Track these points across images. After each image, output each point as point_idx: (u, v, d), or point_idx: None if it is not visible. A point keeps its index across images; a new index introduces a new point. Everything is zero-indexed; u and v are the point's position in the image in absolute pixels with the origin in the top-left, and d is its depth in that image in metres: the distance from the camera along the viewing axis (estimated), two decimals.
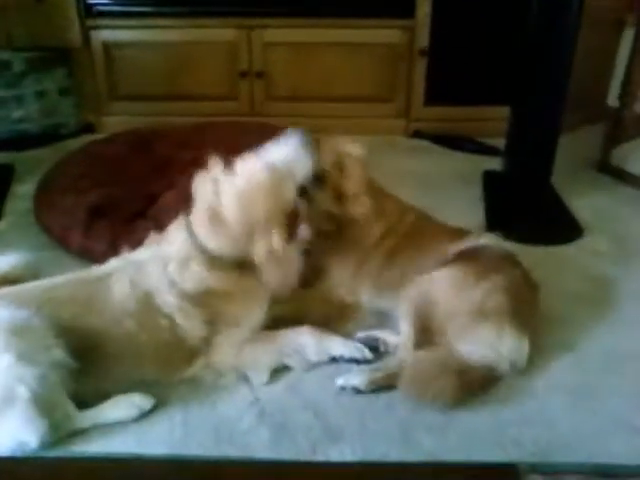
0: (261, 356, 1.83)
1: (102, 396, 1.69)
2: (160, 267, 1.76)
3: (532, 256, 2.21)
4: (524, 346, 1.83)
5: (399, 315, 1.94)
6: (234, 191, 1.71)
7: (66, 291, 1.73)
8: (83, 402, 1.66)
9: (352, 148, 2.05)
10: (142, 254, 1.84)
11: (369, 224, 2.04)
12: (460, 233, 2.10)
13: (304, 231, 1.98)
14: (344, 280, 2.05)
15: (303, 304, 2.00)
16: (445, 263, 1.96)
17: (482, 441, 1.64)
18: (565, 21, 2.62)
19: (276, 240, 1.69)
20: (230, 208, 1.70)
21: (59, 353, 1.58)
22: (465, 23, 3.45)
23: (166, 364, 1.77)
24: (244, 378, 1.82)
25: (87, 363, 1.64)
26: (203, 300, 1.76)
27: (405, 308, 1.92)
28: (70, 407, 1.61)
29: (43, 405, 1.52)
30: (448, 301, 1.88)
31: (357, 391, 1.79)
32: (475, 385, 1.78)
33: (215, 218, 1.71)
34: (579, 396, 1.80)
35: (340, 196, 2.00)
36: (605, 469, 1.55)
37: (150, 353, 1.73)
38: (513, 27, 3.28)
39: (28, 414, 1.51)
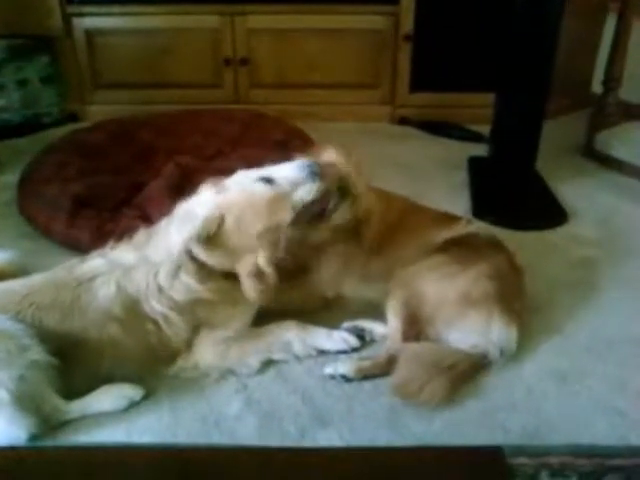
0: (248, 355, 1.83)
1: (90, 388, 1.68)
2: (149, 274, 1.73)
3: (518, 241, 2.23)
4: (513, 332, 1.84)
5: (386, 306, 1.93)
6: (233, 207, 1.72)
7: (48, 296, 1.68)
8: (72, 393, 1.65)
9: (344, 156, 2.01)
10: (129, 256, 1.78)
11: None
12: (448, 220, 2.10)
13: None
14: (329, 273, 2.03)
15: (288, 297, 1.97)
16: (432, 251, 1.96)
17: (470, 426, 1.66)
18: (549, 7, 2.62)
19: (263, 259, 1.70)
20: (228, 224, 1.70)
21: (37, 352, 1.56)
22: (450, 9, 3.44)
23: (149, 364, 1.76)
24: (230, 372, 1.81)
25: (71, 362, 1.63)
26: (190, 309, 1.76)
27: (392, 299, 1.92)
28: (57, 400, 1.61)
29: (26, 403, 1.52)
30: (435, 291, 1.88)
31: (345, 379, 1.80)
32: (466, 376, 1.79)
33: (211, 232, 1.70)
34: (565, 380, 1.82)
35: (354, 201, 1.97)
36: (589, 450, 1.57)
37: (134, 355, 1.72)
38: (498, 13, 3.29)
39: (12, 415, 1.51)
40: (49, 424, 1.58)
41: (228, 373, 1.81)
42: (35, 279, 1.76)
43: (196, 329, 1.79)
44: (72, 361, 1.63)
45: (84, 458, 1.00)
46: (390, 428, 1.64)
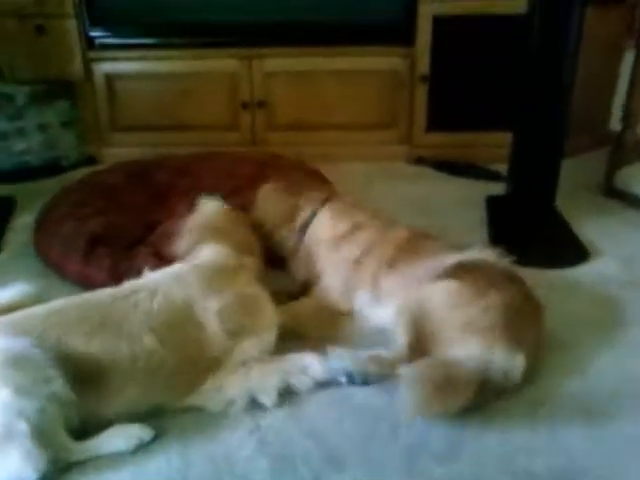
0: (268, 376, 1.80)
1: (99, 426, 1.63)
2: (209, 273, 1.88)
3: (538, 279, 2.17)
4: (518, 359, 1.77)
5: (394, 325, 1.94)
6: None
7: (77, 312, 1.70)
8: (79, 431, 1.61)
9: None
10: (179, 265, 1.96)
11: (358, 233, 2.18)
12: (459, 247, 2.11)
13: None
14: (337, 286, 2.16)
15: (299, 311, 2.12)
16: (442, 274, 1.94)
17: (492, 469, 1.59)
18: (565, 45, 2.62)
19: None
20: None
21: (59, 385, 1.54)
22: (465, 49, 3.46)
23: (177, 384, 1.73)
24: (249, 404, 1.77)
25: (91, 389, 1.60)
26: (240, 306, 1.85)
27: (402, 316, 1.91)
28: (67, 439, 1.56)
29: (42, 439, 1.48)
30: (441, 314, 1.86)
31: (349, 377, 1.82)
32: (479, 392, 1.72)
33: None
34: (592, 421, 1.74)
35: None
36: None
37: (164, 371, 1.70)
38: (513, 52, 3.29)
39: (27, 449, 1.46)
40: (56, 464, 1.52)
41: (246, 406, 1.76)
42: (59, 301, 1.75)
43: (233, 339, 1.80)
44: (93, 388, 1.61)
45: None
46: (408, 472, 1.58)
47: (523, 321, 1.87)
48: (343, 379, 1.85)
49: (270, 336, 1.90)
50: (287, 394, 1.81)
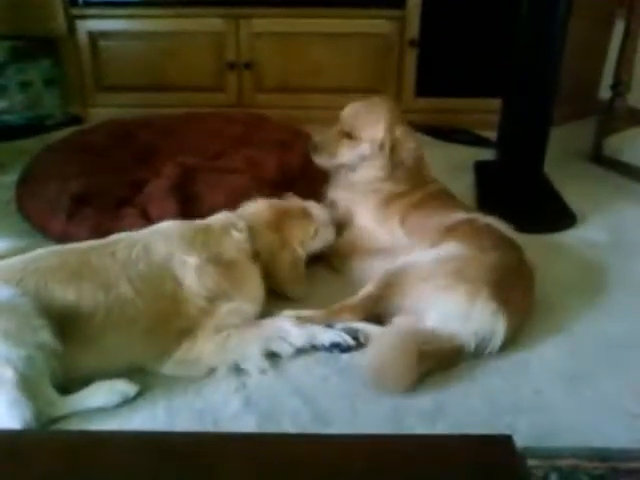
0: (248, 344, 1.78)
1: (84, 381, 1.63)
2: (191, 229, 1.89)
3: (525, 243, 2.17)
4: (499, 321, 1.78)
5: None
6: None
7: (55, 260, 1.69)
8: (64, 387, 1.60)
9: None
10: (170, 223, 1.96)
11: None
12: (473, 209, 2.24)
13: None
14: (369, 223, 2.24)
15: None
16: (449, 227, 2.01)
17: (476, 427, 1.60)
18: (555, 13, 2.59)
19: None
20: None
21: (45, 334, 1.53)
22: (456, 13, 3.42)
23: (155, 341, 1.72)
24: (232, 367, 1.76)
25: (72, 339, 1.59)
26: (222, 269, 1.84)
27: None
28: (52, 392, 1.56)
29: (28, 388, 1.47)
30: (428, 265, 1.89)
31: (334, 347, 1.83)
32: (442, 363, 1.75)
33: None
34: (574, 382, 1.76)
35: None
36: (601, 453, 1.51)
37: (141, 325, 1.69)
38: (504, 18, 3.26)
39: (14, 396, 1.45)
40: (40, 419, 1.51)
41: (230, 369, 1.75)
42: (37, 251, 1.74)
43: (212, 302, 1.78)
44: (74, 339, 1.59)
45: (68, 442, 0.95)
46: (393, 429, 1.59)
47: (513, 285, 1.88)
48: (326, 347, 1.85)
49: (250, 308, 1.89)
50: (271, 355, 1.80)
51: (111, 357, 1.67)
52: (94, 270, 1.69)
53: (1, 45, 3.36)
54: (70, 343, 1.59)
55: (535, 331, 1.91)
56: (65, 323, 1.59)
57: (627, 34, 3.11)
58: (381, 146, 2.24)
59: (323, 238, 2.17)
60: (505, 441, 0.84)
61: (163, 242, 1.82)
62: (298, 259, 2.06)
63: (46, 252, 1.77)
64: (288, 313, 1.91)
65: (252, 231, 2.00)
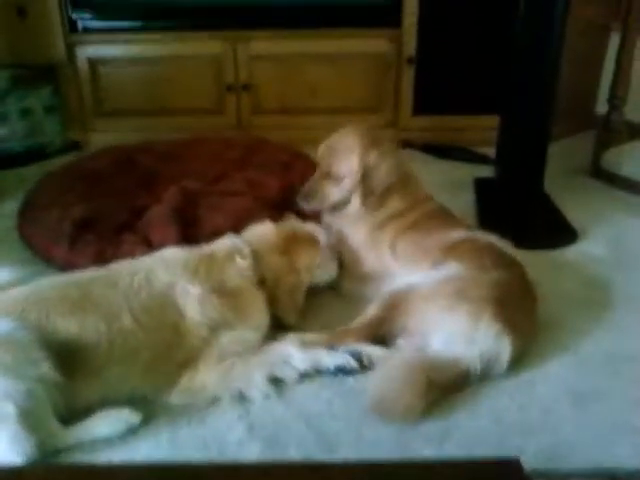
0: (252, 372, 1.77)
1: (87, 411, 1.62)
2: (194, 258, 1.88)
3: (527, 260, 2.17)
4: (504, 343, 1.76)
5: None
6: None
7: (57, 291, 1.69)
8: (66, 417, 1.59)
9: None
10: (173, 250, 1.95)
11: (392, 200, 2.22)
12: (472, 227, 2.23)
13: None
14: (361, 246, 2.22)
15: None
16: (447, 247, 2.00)
17: (484, 449, 1.59)
18: (550, 29, 2.61)
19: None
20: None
21: (46, 367, 1.52)
22: (452, 31, 3.44)
23: (157, 371, 1.71)
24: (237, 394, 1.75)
25: (74, 372, 1.58)
26: (225, 298, 1.82)
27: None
28: (55, 424, 1.54)
29: (29, 422, 1.45)
30: (430, 286, 1.88)
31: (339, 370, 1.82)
32: (449, 389, 1.73)
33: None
34: (582, 400, 1.75)
35: None
36: (611, 472, 1.50)
37: (143, 355, 1.68)
38: (500, 35, 3.29)
39: (14, 432, 1.44)
40: (43, 451, 1.49)
41: (234, 396, 1.73)
42: (41, 281, 1.75)
43: (214, 331, 1.77)
44: (76, 371, 1.59)
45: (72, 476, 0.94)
46: (400, 452, 1.57)
47: (516, 304, 1.87)
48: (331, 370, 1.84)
49: (253, 336, 1.86)
50: (275, 381, 1.79)
51: (114, 388, 1.67)
52: (96, 302, 1.69)
53: (2, 73, 3.37)
54: (72, 375, 1.59)
55: (540, 349, 1.90)
56: (67, 355, 1.59)
57: (622, 47, 3.13)
58: (359, 177, 2.20)
59: (327, 270, 2.16)
60: (514, 464, 0.83)
61: (165, 271, 1.81)
62: (299, 285, 2.04)
63: (48, 283, 1.77)
64: (292, 337, 1.89)
65: (257, 256, 1.98)
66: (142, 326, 1.69)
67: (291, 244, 2.04)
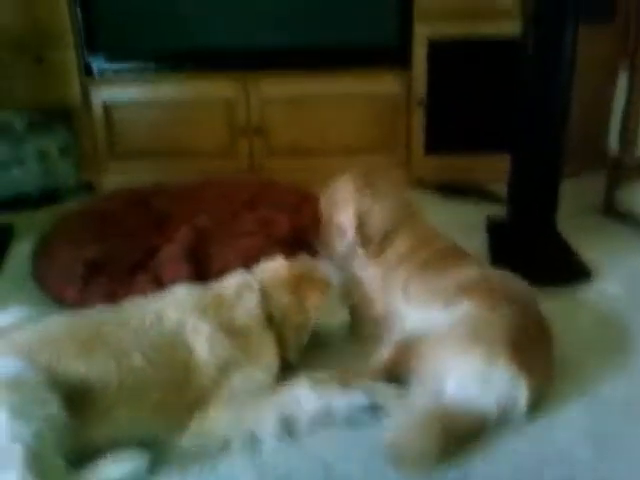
0: (264, 414, 1.74)
1: (97, 453, 1.59)
2: (206, 297, 1.87)
3: (541, 298, 2.14)
4: (520, 387, 1.72)
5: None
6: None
7: (67, 331, 1.69)
8: (75, 459, 1.56)
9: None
10: (183, 288, 1.95)
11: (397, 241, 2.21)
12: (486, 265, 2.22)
13: None
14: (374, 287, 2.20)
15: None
16: (462, 286, 1.97)
17: None
18: (559, 69, 2.63)
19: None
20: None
21: (54, 408, 1.50)
22: (462, 72, 3.47)
23: (167, 413, 1.69)
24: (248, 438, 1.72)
25: (83, 413, 1.56)
26: (234, 337, 1.81)
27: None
28: (63, 467, 1.51)
29: (38, 465, 1.43)
30: (442, 327, 1.86)
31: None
32: (465, 437, 1.69)
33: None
34: (602, 444, 1.70)
35: None
36: None
37: (152, 396, 1.66)
38: (510, 75, 3.31)
39: (23, 475, 1.41)
40: None
41: (245, 440, 1.70)
42: (51, 320, 1.74)
43: (224, 371, 1.75)
44: (85, 412, 1.57)
45: None
46: None
47: (532, 346, 1.83)
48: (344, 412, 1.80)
49: (262, 375, 1.83)
50: (287, 422, 1.76)
51: (124, 429, 1.64)
52: (106, 340, 1.68)
53: (19, 117, 3.44)
54: (82, 416, 1.57)
55: (558, 392, 1.86)
56: (77, 396, 1.58)
57: (631, 86, 3.15)
58: (355, 226, 2.22)
59: (337, 316, 2.13)
60: None
61: (175, 309, 1.81)
62: (305, 324, 2.00)
63: (58, 322, 1.77)
64: (305, 378, 1.86)
65: (266, 293, 1.97)
66: (152, 364, 1.68)
67: (301, 283, 2.02)
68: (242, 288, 1.96)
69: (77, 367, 1.61)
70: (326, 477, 1.61)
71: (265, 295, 1.96)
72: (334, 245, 2.31)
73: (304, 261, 2.19)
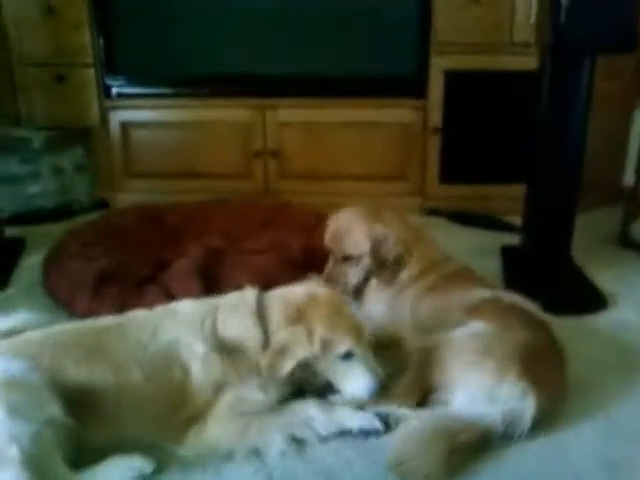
0: (270, 433, 1.69)
1: (100, 457, 1.56)
2: (201, 313, 1.77)
3: (554, 324, 2.10)
4: (527, 403, 1.69)
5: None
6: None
7: (73, 337, 1.67)
8: (77, 462, 1.53)
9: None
10: (184, 303, 1.85)
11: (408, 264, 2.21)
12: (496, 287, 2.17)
13: None
14: (381, 310, 2.19)
15: None
16: (473, 307, 1.94)
17: None
18: (574, 105, 2.63)
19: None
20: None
21: (55, 410, 1.47)
22: (478, 103, 3.49)
23: (165, 424, 1.65)
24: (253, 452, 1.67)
25: (85, 417, 1.53)
26: (227, 356, 1.71)
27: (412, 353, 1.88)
28: (63, 469, 1.47)
29: (35, 466, 1.39)
30: (457, 342, 1.82)
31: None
32: (470, 450, 1.64)
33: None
34: (617, 467, 1.65)
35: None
36: None
37: (150, 410, 1.63)
38: (526, 107, 3.32)
39: (18, 476, 1.37)
40: None
41: (250, 451, 1.66)
42: (58, 326, 1.73)
43: (220, 391, 1.69)
44: (86, 420, 1.54)
45: None
46: None
47: (543, 364, 1.80)
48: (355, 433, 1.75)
49: (257, 396, 1.72)
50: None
51: (124, 436, 1.61)
52: (107, 351, 1.65)
53: (38, 134, 3.49)
54: (83, 420, 1.54)
55: (571, 413, 1.82)
56: (78, 401, 1.55)
57: None
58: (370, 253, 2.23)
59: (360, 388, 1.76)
60: None
61: (172, 325, 1.74)
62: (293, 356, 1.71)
63: (64, 328, 1.75)
64: (337, 398, 1.79)
65: (264, 311, 1.78)
66: (149, 381, 1.64)
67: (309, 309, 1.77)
68: (237, 304, 1.81)
69: (78, 373, 1.59)
70: None
71: (263, 312, 1.79)
72: (348, 279, 2.30)
73: (317, 287, 1.92)
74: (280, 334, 1.71)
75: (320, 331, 1.69)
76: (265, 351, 1.70)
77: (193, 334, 1.72)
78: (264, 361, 1.68)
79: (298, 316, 1.73)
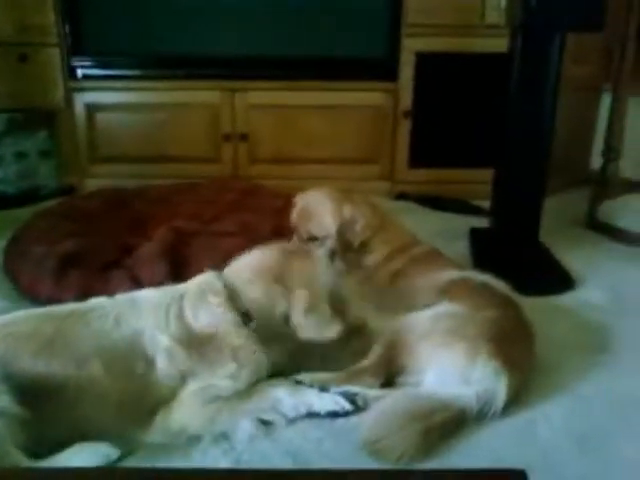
0: (239, 416, 1.67)
1: (63, 445, 1.52)
2: (164, 304, 1.71)
3: (524, 305, 2.12)
4: (500, 382, 1.70)
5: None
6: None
7: (29, 326, 1.61)
8: (39, 454, 1.50)
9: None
10: (146, 292, 1.80)
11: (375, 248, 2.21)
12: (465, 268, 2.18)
13: None
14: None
15: None
16: (444, 287, 1.95)
17: None
18: (544, 88, 2.65)
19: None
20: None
21: (5, 400, 1.44)
22: (448, 86, 3.50)
23: (127, 414, 1.61)
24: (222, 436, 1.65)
25: (43, 408, 1.49)
26: (194, 347, 1.67)
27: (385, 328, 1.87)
28: (19, 457, 1.43)
29: None
30: (427, 322, 1.82)
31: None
32: (444, 430, 1.64)
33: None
34: (584, 442, 1.67)
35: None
36: None
37: (111, 402, 1.58)
38: (495, 90, 3.33)
39: None
40: None
41: (219, 437, 1.64)
42: (18, 313, 1.67)
43: (185, 379, 1.66)
44: (45, 411, 1.50)
45: None
46: None
47: (513, 343, 1.82)
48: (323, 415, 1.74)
49: (227, 384, 1.68)
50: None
51: (85, 427, 1.57)
52: (67, 341, 1.60)
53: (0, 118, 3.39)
54: (41, 411, 1.50)
55: (539, 390, 1.83)
56: (34, 392, 1.51)
57: (614, 108, 3.19)
58: (336, 233, 2.21)
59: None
60: (518, 476, 0.77)
61: (135, 315, 1.69)
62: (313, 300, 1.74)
63: (23, 316, 1.68)
64: (303, 377, 1.79)
65: (232, 291, 1.75)
66: (111, 373, 1.59)
67: (285, 271, 1.77)
68: (204, 290, 1.76)
69: (35, 365, 1.54)
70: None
71: (232, 293, 1.75)
72: None
73: (290, 246, 1.96)
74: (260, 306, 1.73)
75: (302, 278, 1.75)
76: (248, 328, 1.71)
77: (156, 324, 1.67)
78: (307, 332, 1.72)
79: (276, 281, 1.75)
